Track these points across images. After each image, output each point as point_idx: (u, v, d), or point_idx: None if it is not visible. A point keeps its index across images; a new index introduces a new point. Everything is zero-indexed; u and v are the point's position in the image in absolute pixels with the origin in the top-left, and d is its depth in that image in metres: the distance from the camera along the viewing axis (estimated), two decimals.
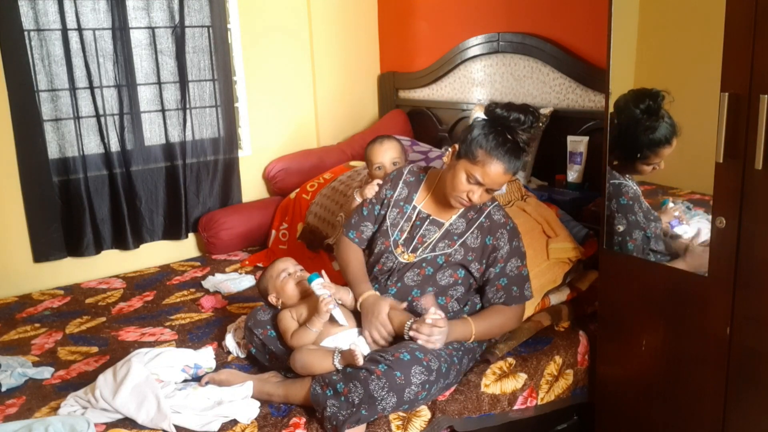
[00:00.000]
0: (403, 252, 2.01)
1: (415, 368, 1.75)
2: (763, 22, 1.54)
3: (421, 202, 2.06)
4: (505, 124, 1.86)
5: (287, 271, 2.07)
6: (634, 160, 1.92)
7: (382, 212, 2.09)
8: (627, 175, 1.96)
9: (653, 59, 1.93)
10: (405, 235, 2.03)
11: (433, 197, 2.05)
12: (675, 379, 1.91)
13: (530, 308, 2.23)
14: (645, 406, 2.01)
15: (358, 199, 2.28)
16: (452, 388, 1.96)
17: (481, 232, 1.97)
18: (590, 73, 2.72)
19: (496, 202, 2.03)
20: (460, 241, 1.97)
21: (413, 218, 2.04)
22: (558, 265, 2.31)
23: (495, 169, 1.84)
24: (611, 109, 1.93)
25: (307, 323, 1.92)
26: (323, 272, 1.97)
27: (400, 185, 2.10)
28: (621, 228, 1.95)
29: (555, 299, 2.34)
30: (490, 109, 1.90)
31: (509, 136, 1.85)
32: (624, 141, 1.93)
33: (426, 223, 2.02)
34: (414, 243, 2.01)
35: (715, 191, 1.71)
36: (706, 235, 1.78)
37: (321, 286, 1.91)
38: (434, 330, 1.79)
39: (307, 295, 2.02)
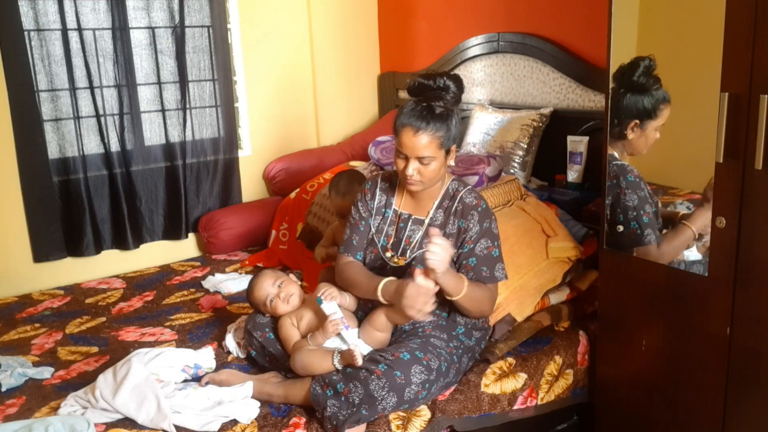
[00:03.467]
0: (392, 256, 2.00)
1: (415, 367, 1.76)
2: (763, 22, 1.54)
3: (399, 204, 2.05)
4: (418, 94, 1.89)
5: (270, 297, 2.04)
6: (643, 123, 1.91)
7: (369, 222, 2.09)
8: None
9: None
10: (392, 239, 2.02)
11: (407, 196, 2.04)
12: (675, 379, 1.91)
13: (530, 308, 2.23)
14: (645, 406, 2.01)
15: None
16: (452, 388, 1.96)
17: (455, 217, 1.96)
18: (590, 73, 2.72)
19: (469, 187, 2.00)
20: (443, 232, 1.96)
21: (396, 221, 2.04)
22: (557, 265, 2.31)
23: (405, 133, 1.85)
24: (612, 84, 1.93)
25: (309, 338, 1.92)
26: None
27: (378, 194, 2.08)
28: (633, 203, 1.93)
29: (555, 299, 2.34)
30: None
31: (421, 102, 1.87)
32: (629, 107, 1.92)
33: (409, 223, 2.01)
34: (402, 246, 2.00)
35: (715, 191, 1.71)
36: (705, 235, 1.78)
37: (329, 305, 1.89)
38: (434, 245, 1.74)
39: (307, 295, 2.02)
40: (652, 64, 1.85)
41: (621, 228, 1.99)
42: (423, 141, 1.83)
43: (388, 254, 2.00)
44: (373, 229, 2.05)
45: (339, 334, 1.88)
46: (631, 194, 1.93)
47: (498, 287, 1.99)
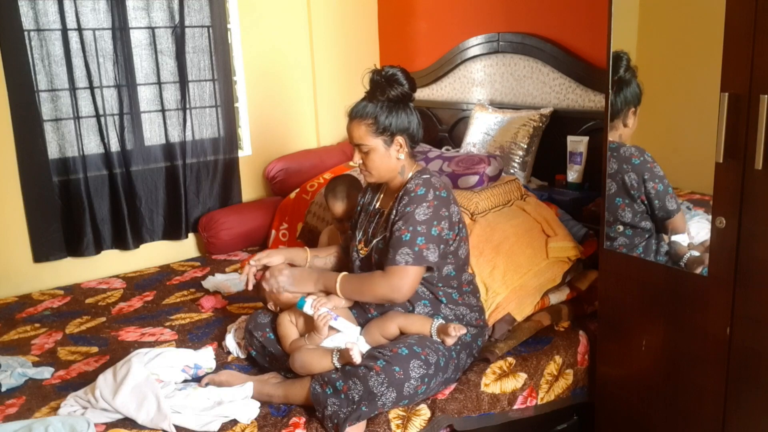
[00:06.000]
0: (362, 248, 2.04)
1: (414, 362, 1.77)
2: (763, 22, 1.54)
3: (379, 200, 2.10)
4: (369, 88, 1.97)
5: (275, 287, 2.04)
6: (637, 109, 1.98)
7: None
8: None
9: (653, 59, 1.93)
10: (367, 235, 2.05)
11: (385, 192, 2.09)
12: (675, 379, 1.91)
13: (530, 308, 2.23)
14: (645, 406, 2.01)
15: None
16: (452, 387, 1.96)
17: (398, 204, 1.95)
18: (590, 73, 2.72)
19: (426, 176, 1.94)
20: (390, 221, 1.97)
21: (372, 217, 2.07)
22: (557, 264, 2.31)
23: (347, 123, 1.95)
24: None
25: (307, 338, 1.92)
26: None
27: (368, 192, 2.15)
28: (662, 173, 1.94)
29: (555, 299, 2.34)
30: None
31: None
32: (626, 97, 1.97)
33: (377, 216, 2.05)
34: (368, 237, 2.04)
35: (715, 191, 1.71)
36: (705, 235, 1.78)
37: (311, 306, 1.90)
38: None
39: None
40: (629, 57, 1.94)
41: (621, 228, 1.99)
42: (354, 129, 1.93)
43: (360, 246, 2.05)
44: (357, 227, 2.11)
45: (333, 328, 1.88)
46: (656, 165, 1.95)
47: (407, 272, 1.85)
